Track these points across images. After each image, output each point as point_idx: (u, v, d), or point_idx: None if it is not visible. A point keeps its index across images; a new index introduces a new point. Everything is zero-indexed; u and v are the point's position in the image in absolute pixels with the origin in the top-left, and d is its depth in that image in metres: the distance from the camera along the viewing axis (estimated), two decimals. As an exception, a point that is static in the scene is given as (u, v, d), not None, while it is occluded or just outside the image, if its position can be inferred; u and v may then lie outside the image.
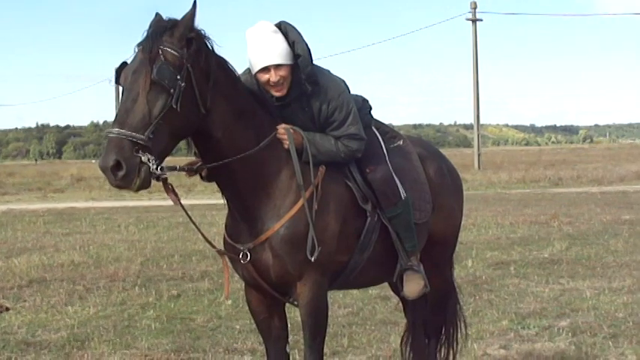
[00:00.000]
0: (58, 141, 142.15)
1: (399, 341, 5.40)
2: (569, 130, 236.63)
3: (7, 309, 8.31)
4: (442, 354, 5.22)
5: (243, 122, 3.89)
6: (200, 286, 9.43)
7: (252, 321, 4.44)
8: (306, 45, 4.01)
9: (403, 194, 4.28)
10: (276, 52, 3.94)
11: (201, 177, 4.04)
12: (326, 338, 4.25)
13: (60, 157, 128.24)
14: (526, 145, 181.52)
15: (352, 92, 4.35)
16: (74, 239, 14.51)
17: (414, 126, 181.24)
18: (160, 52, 3.57)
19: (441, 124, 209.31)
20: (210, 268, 10.52)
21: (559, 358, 6.16)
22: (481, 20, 43.57)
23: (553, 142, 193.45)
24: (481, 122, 46.02)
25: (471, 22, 43.20)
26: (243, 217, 4.01)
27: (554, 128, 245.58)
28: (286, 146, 4.01)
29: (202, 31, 3.74)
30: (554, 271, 9.87)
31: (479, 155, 42.21)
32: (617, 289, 8.60)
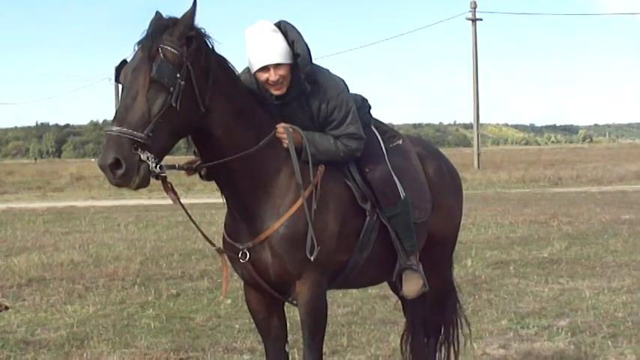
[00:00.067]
0: (58, 140, 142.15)
1: (399, 340, 5.40)
2: (569, 130, 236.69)
3: (7, 308, 8.31)
4: (442, 353, 5.22)
5: (243, 121, 3.89)
6: (199, 285, 9.43)
7: (252, 320, 4.44)
8: (306, 44, 4.01)
9: (402, 193, 4.28)
10: (276, 51, 3.94)
11: (201, 176, 4.04)
12: (325, 337, 4.25)
13: (59, 156, 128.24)
14: (526, 144, 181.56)
15: (351, 91, 4.35)
16: (74, 238, 14.51)
17: (414, 125, 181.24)
18: (160, 50, 3.57)
19: (440, 123, 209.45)
20: (209, 267, 10.53)
21: (558, 357, 6.16)
22: (481, 20, 43.61)
23: (553, 142, 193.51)
24: (481, 122, 46.04)
25: (470, 21, 43.20)
26: (243, 216, 4.01)
27: (553, 128, 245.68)
28: (285, 145, 4.01)
29: (202, 30, 3.74)
30: (554, 271, 9.87)
31: (478, 155, 42.22)
32: (617, 289, 8.60)
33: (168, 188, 3.77)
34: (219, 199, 4.12)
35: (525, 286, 8.98)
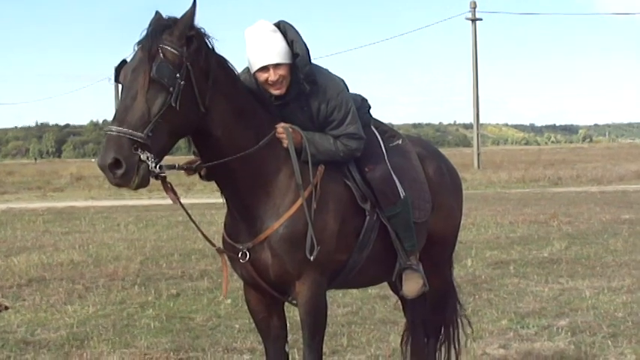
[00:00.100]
0: (58, 140, 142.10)
1: (399, 340, 5.39)
2: (569, 130, 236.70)
3: (7, 308, 8.31)
4: (442, 353, 5.22)
5: (243, 121, 3.89)
6: (199, 285, 9.43)
7: (252, 320, 4.44)
8: (305, 44, 4.01)
9: (402, 193, 4.28)
10: (275, 51, 3.94)
11: (201, 176, 4.04)
12: (325, 337, 4.25)
13: (59, 156, 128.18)
14: (525, 144, 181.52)
15: (351, 91, 4.36)
16: (73, 238, 14.51)
17: (414, 125, 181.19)
18: (160, 50, 3.57)
19: (440, 123, 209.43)
20: (209, 267, 10.52)
21: (558, 357, 6.16)
22: (481, 20, 43.62)
23: (552, 142, 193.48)
24: (481, 122, 46.04)
25: (470, 21, 43.20)
26: (243, 217, 4.01)
27: (553, 128, 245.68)
28: (285, 145, 4.01)
29: (202, 30, 3.74)
30: (554, 271, 9.86)
31: (478, 155, 42.22)
32: (617, 289, 8.60)
33: (168, 188, 3.77)
34: (220, 199, 4.12)
35: (525, 285, 8.98)
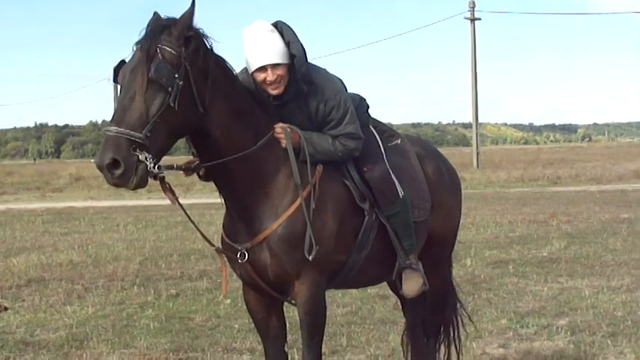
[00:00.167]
0: (57, 140, 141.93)
1: (398, 340, 5.39)
2: (568, 129, 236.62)
3: (6, 308, 8.31)
4: (442, 353, 5.22)
5: (241, 121, 3.89)
6: (199, 285, 9.43)
7: (251, 320, 4.44)
8: (301, 45, 4.01)
9: (401, 192, 4.28)
10: (273, 51, 3.94)
11: (199, 176, 4.04)
12: (325, 337, 4.25)
13: (58, 157, 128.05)
14: (525, 143, 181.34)
15: (350, 91, 4.36)
16: (73, 239, 14.51)
17: (413, 125, 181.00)
18: (158, 50, 3.57)
19: (439, 123, 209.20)
20: (208, 268, 10.52)
21: (558, 356, 6.15)
22: (480, 19, 43.64)
23: (552, 141, 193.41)
24: (480, 121, 46.06)
25: (469, 21, 43.22)
26: (241, 217, 4.00)
27: (552, 127, 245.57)
28: (284, 145, 4.01)
29: (201, 30, 3.74)
30: (553, 270, 9.87)
31: (477, 154, 42.24)
32: (616, 288, 8.60)
33: (167, 188, 3.77)
34: (219, 199, 4.12)
35: (525, 285, 8.98)
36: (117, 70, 3.64)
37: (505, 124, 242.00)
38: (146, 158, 3.48)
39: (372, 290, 8.26)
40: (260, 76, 3.98)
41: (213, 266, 10.43)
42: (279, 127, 4.02)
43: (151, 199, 23.60)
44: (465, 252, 10.93)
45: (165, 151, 3.65)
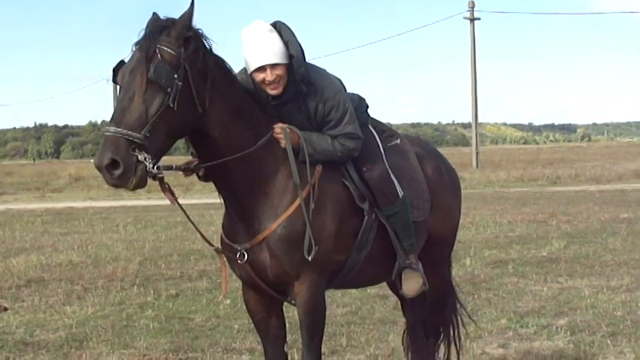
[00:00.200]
0: (56, 140, 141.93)
1: (399, 340, 5.39)
2: (567, 129, 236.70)
3: (6, 309, 8.31)
4: (442, 353, 5.22)
5: (241, 121, 3.89)
6: (198, 285, 9.42)
7: (250, 320, 4.44)
8: (299, 45, 4.01)
9: (400, 192, 4.28)
10: (272, 51, 3.94)
11: (199, 177, 4.04)
12: (324, 337, 4.25)
13: (58, 157, 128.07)
14: (524, 143, 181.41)
15: (350, 91, 4.36)
16: (72, 239, 14.50)
17: (412, 125, 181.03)
18: (157, 51, 3.57)
19: (439, 123, 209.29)
20: (208, 268, 10.52)
21: (557, 356, 6.15)
22: (479, 19, 43.64)
23: (551, 141, 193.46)
24: (479, 121, 46.07)
25: (469, 21, 43.22)
26: (241, 217, 4.00)
27: (552, 127, 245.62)
28: (283, 145, 4.00)
29: (200, 31, 3.74)
30: (553, 270, 9.86)
31: (477, 154, 42.25)
32: (616, 288, 8.60)
33: (166, 189, 3.76)
34: (218, 200, 4.12)
35: (524, 285, 8.98)
36: (116, 70, 3.64)
37: (504, 124, 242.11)
38: (145, 159, 3.48)
39: (371, 290, 8.26)
40: (259, 77, 3.98)
41: (213, 266, 10.42)
42: (279, 128, 4.02)
43: (151, 199, 23.59)
44: (465, 252, 10.93)
45: (165, 151, 3.65)
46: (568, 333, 6.76)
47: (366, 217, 4.19)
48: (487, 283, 9.07)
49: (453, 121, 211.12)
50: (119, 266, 10.80)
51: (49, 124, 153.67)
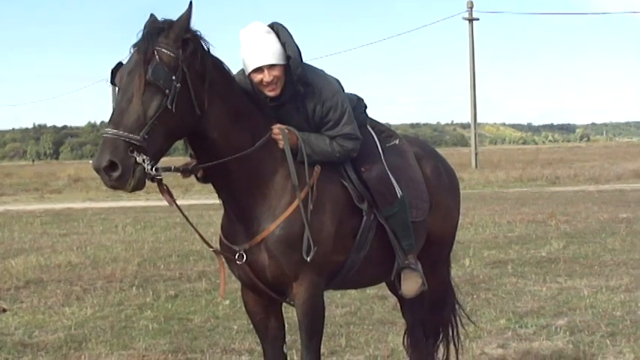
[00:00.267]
0: (55, 141, 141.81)
1: (397, 341, 5.39)
2: (566, 129, 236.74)
3: (4, 310, 8.30)
4: (442, 353, 5.22)
5: (239, 123, 3.89)
6: (197, 286, 9.42)
7: (250, 321, 4.43)
8: (297, 46, 4.01)
9: (399, 193, 4.28)
10: (270, 52, 3.94)
11: (197, 178, 4.04)
12: (324, 338, 4.24)
13: (57, 158, 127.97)
14: (523, 143, 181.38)
15: (349, 91, 4.36)
16: (71, 240, 14.49)
17: (412, 125, 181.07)
18: (155, 52, 3.57)
19: (438, 123, 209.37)
20: (207, 269, 10.51)
21: (557, 356, 6.15)
22: (478, 19, 43.63)
23: (550, 141, 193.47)
24: (478, 121, 46.09)
25: (467, 21, 43.22)
26: (239, 218, 4.00)
27: (551, 127, 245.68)
28: (281, 146, 4.00)
29: (198, 32, 3.74)
30: (552, 270, 9.86)
31: (476, 154, 42.24)
32: (615, 288, 8.60)
33: (164, 190, 3.77)
34: (217, 200, 4.11)
35: (523, 285, 8.98)
36: (114, 72, 3.64)
37: (503, 124, 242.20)
38: (143, 160, 3.48)
39: (370, 291, 8.26)
40: (257, 78, 3.98)
41: (212, 267, 10.42)
42: (277, 128, 4.02)
43: (150, 200, 23.59)
44: (464, 252, 10.93)
45: (163, 153, 3.65)
46: (567, 333, 6.76)
47: (364, 218, 4.19)
48: (486, 284, 9.07)
49: (452, 121, 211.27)
50: (118, 267, 10.79)
51: (48, 124, 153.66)
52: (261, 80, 3.97)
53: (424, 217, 4.51)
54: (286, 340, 4.32)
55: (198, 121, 3.72)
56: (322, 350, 4.23)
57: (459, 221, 5.17)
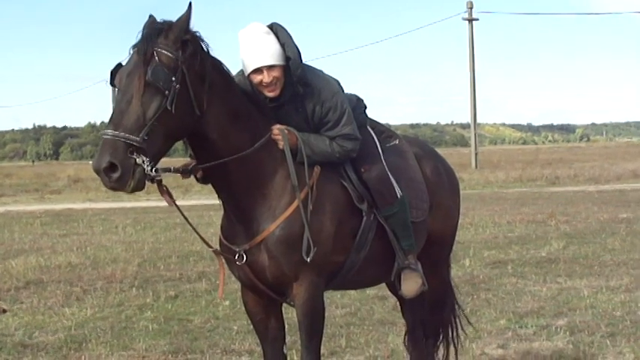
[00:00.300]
0: (55, 142, 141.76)
1: (397, 341, 5.39)
2: (566, 129, 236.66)
3: (4, 311, 8.30)
4: (442, 354, 5.22)
5: (238, 123, 3.89)
6: (197, 287, 9.42)
7: (250, 322, 4.43)
8: (296, 47, 4.02)
9: (399, 193, 4.28)
10: (269, 53, 3.94)
11: (197, 179, 4.04)
12: (324, 338, 4.24)
13: (57, 159, 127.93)
14: (523, 144, 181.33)
15: (348, 92, 4.36)
16: (71, 240, 14.49)
17: (412, 125, 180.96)
18: (155, 54, 3.57)
19: (438, 123, 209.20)
20: (207, 269, 10.51)
21: (557, 357, 6.15)
22: (477, 20, 43.64)
23: (550, 141, 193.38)
24: (478, 121, 46.08)
25: (467, 21, 43.23)
26: (239, 219, 4.00)
27: (550, 127, 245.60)
28: (281, 147, 4.00)
29: (197, 33, 3.74)
30: (552, 270, 9.87)
31: (476, 154, 42.24)
32: (615, 288, 8.60)
33: (164, 191, 3.77)
34: (217, 201, 4.12)
35: (523, 285, 8.98)
36: (113, 73, 3.64)
37: (503, 125, 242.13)
38: (143, 161, 3.48)
39: (370, 291, 8.26)
40: (256, 78, 3.98)
41: (212, 268, 10.42)
42: (277, 129, 4.02)
43: (150, 200, 23.58)
44: (464, 252, 10.93)
45: (163, 154, 3.65)
46: (567, 333, 6.76)
47: (364, 218, 4.19)
48: (486, 284, 9.07)
49: (452, 121, 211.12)
50: (118, 268, 10.79)
51: (48, 125, 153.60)
52: (261, 81, 3.97)
53: (424, 217, 4.51)
54: (286, 340, 4.32)
55: (197, 122, 3.72)
56: (322, 351, 4.23)
57: (459, 221, 5.17)
